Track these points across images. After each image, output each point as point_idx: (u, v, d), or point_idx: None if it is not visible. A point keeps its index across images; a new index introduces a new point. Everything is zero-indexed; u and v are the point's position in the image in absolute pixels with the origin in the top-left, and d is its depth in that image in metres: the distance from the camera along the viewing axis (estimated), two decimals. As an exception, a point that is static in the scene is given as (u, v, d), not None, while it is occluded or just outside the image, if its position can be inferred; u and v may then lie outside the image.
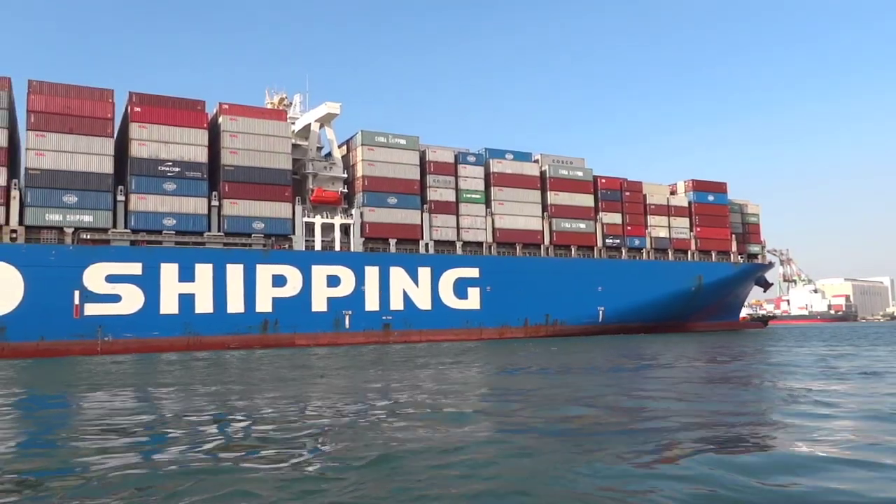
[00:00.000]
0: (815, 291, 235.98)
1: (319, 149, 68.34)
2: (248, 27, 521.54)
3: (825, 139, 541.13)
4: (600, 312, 72.80)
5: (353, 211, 64.26)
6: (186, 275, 55.30)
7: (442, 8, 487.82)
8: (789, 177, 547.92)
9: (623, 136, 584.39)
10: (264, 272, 58.25)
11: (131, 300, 53.22)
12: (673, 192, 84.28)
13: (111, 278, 52.68)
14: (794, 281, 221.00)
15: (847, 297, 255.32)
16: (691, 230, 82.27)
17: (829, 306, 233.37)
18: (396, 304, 63.49)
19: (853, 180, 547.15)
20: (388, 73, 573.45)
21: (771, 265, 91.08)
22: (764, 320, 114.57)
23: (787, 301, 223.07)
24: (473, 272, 67.42)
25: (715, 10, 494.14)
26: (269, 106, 69.02)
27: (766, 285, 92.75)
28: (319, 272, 60.55)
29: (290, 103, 70.37)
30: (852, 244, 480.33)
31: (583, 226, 75.17)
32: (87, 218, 53.11)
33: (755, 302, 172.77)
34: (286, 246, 60.63)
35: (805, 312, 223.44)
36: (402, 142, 66.83)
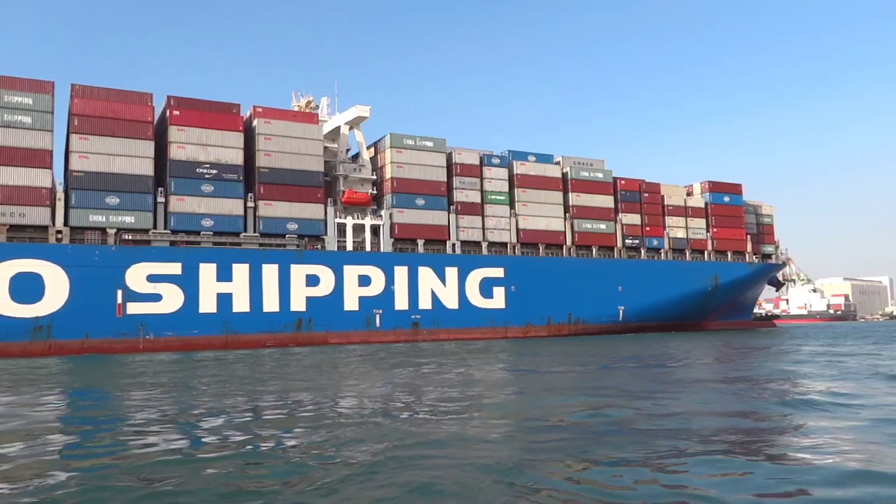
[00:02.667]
0: (815, 291, 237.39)
1: (347, 151, 69.57)
2: (269, 29, 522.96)
3: (824, 138, 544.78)
4: (620, 312, 74.18)
5: (383, 212, 65.49)
6: (224, 274, 56.41)
7: (454, 9, 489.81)
8: (788, 176, 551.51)
9: (620, 135, 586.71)
10: (298, 272, 59.41)
11: (172, 299, 54.32)
12: (689, 194, 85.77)
13: (152, 278, 53.78)
14: (794, 280, 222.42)
15: (846, 297, 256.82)
16: (708, 231, 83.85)
17: (829, 306, 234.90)
18: (425, 303, 64.71)
19: (852, 180, 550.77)
20: (401, 75, 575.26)
21: (784, 265, 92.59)
22: (767, 318, 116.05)
23: (787, 300, 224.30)
24: (498, 272, 68.69)
25: (712, 10, 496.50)
26: (296, 109, 70.14)
27: (778, 285, 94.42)
28: (351, 272, 61.73)
29: (317, 106, 71.51)
30: (851, 244, 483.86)
31: (603, 226, 76.59)
32: (128, 219, 54.21)
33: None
34: (319, 246, 61.80)
35: (804, 312, 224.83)
36: (430, 144, 68.08)
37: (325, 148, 66.01)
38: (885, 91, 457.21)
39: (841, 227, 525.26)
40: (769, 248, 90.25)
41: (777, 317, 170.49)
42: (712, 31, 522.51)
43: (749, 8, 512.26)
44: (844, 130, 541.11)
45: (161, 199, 55.79)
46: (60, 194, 52.60)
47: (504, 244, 70.92)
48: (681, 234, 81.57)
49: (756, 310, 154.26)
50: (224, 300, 56.29)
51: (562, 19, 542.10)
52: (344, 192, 64.93)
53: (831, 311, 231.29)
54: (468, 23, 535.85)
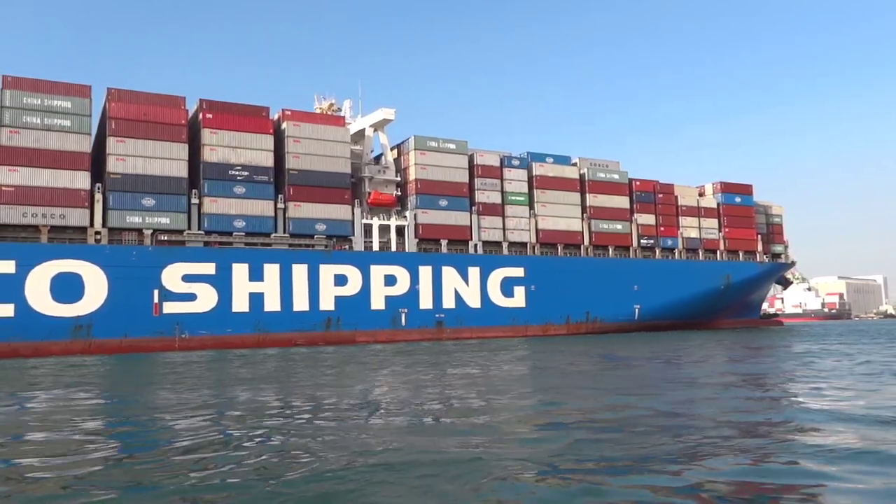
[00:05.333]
0: (809, 290, 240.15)
1: (370, 152, 70.70)
2: (273, 31, 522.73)
3: (820, 137, 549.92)
4: (636, 310, 75.70)
5: (408, 213, 66.68)
6: (256, 274, 57.46)
7: (466, 12, 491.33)
8: (785, 175, 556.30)
9: (624, 135, 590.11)
10: (327, 272, 60.51)
11: (206, 299, 55.30)
12: (702, 194, 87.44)
13: (187, 278, 54.77)
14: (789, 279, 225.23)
15: (841, 296, 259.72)
16: (720, 231, 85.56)
17: (823, 304, 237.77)
18: (448, 302, 65.92)
19: (848, 180, 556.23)
20: (409, 76, 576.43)
21: (793, 264, 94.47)
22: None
23: (782, 299, 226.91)
24: (519, 272, 70.03)
25: (707, 11, 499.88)
26: (318, 111, 71.16)
27: (786, 284, 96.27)
28: (377, 272, 62.88)
29: (339, 109, 72.57)
30: (846, 242, 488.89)
31: (619, 227, 78.10)
32: (164, 220, 55.15)
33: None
34: (346, 247, 62.95)
35: (799, 311, 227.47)
36: (452, 146, 69.33)
37: (351, 150, 67.12)
38: (884, 91, 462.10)
39: (835, 226, 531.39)
40: (779, 248, 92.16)
41: (775, 315, 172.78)
42: (713, 31, 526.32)
43: (750, 8, 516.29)
44: (841, 130, 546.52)
45: (195, 201, 56.72)
46: (98, 196, 53.52)
47: (524, 244, 72.26)
48: (694, 234, 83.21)
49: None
50: (256, 299, 57.34)
51: (562, 19, 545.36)
52: (370, 193, 66.09)
53: (826, 310, 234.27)
54: (475, 24, 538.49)
